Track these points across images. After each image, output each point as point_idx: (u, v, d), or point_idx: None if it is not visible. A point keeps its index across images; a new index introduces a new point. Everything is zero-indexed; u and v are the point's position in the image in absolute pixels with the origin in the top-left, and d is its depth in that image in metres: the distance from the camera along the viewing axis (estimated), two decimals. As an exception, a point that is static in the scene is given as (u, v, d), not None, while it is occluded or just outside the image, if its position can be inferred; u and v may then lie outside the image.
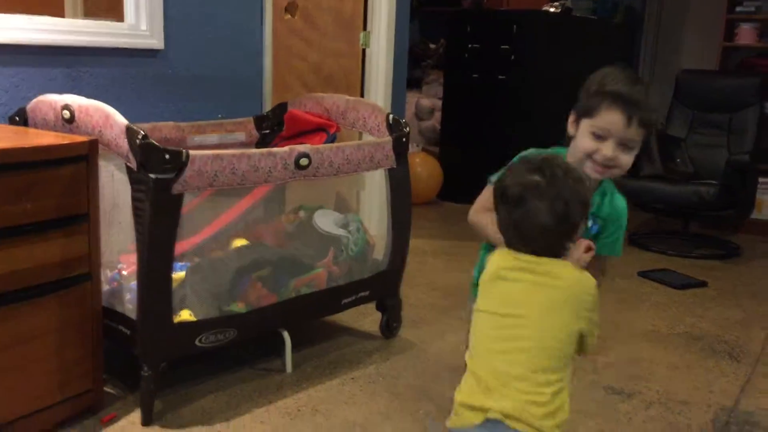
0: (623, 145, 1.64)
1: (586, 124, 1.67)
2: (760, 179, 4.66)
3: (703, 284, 3.79)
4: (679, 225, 4.58)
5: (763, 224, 4.76)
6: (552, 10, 5.42)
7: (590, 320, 1.52)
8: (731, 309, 3.44)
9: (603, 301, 3.16)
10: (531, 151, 1.70)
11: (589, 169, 1.66)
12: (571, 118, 1.73)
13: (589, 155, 1.66)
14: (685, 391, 2.57)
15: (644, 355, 2.88)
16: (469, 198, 3.53)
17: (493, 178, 1.68)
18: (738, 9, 5.03)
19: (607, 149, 1.64)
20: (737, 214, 4.56)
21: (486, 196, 1.74)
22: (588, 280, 1.51)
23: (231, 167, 2.21)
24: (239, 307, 2.38)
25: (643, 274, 3.90)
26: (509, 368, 1.45)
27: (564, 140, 1.77)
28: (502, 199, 1.51)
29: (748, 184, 4.48)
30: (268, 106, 3.46)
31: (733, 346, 2.98)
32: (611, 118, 1.62)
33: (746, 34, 5.01)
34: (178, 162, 2.06)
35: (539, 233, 1.47)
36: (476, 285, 1.66)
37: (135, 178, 2.11)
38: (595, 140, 1.65)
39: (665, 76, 5.48)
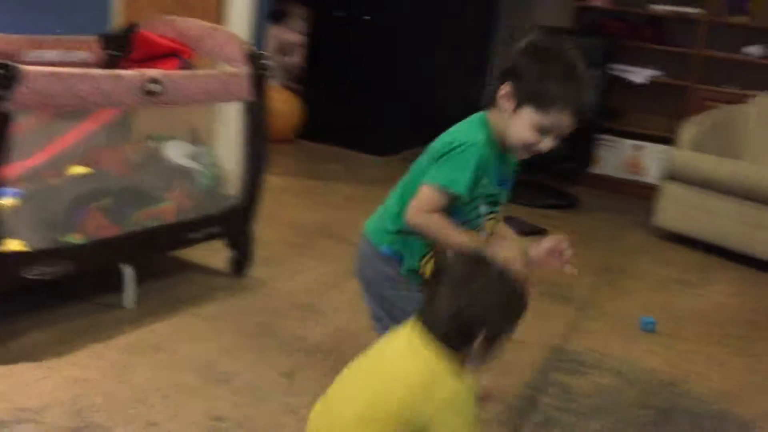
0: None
1: (532, 114, 1.56)
2: (600, 136, 4.97)
3: (543, 231, 4.01)
4: (525, 175, 4.80)
5: (599, 178, 5.10)
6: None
7: None
8: (566, 256, 3.67)
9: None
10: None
11: (519, 152, 1.66)
12: (508, 93, 1.58)
13: (528, 145, 1.61)
14: (520, 331, 2.72)
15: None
16: (330, 138, 3.45)
17: (443, 182, 1.56)
18: (593, -30, 5.25)
19: (548, 143, 1.61)
20: (577, 166, 4.85)
21: (432, 197, 1.58)
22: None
23: (71, 87, 2.05)
24: (76, 238, 2.23)
25: (490, 221, 4.08)
26: None
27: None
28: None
29: (589, 139, 4.76)
30: (117, 26, 3.22)
31: (565, 290, 3.20)
32: (564, 121, 1.58)
33: (601, -4, 5.24)
34: (8, 77, 1.87)
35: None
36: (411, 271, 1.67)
37: (-43, 91, 1.89)
38: (538, 133, 1.58)
39: (522, 31, 5.65)
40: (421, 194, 1.59)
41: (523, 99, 1.57)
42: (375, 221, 1.79)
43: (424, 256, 1.70)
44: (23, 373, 2.01)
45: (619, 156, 5.08)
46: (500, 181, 1.70)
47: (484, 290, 1.37)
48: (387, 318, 1.75)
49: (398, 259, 1.71)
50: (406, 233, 1.67)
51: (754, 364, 2.70)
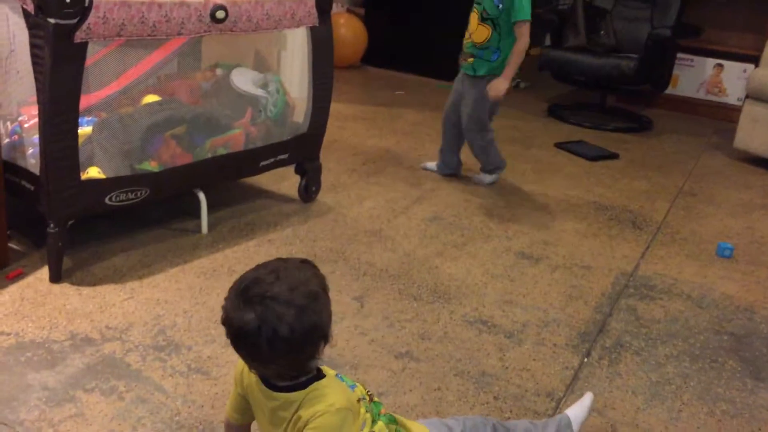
0: None
1: None
2: (679, 54, 4.74)
3: (614, 156, 3.90)
4: (597, 98, 4.65)
5: (677, 99, 4.89)
6: None
7: None
8: (638, 180, 3.57)
9: (519, 170, 3.19)
10: None
11: None
12: None
13: None
14: (589, 257, 2.70)
15: (554, 223, 2.98)
16: (394, 63, 3.47)
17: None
18: None
19: None
20: (653, 88, 4.66)
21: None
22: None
23: (140, 16, 2.07)
24: (152, 166, 2.30)
25: (559, 145, 3.98)
26: None
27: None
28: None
29: (666, 59, 4.55)
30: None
31: (637, 216, 3.13)
32: None
33: None
34: (80, 6, 1.90)
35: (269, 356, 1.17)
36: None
37: (32, 23, 1.94)
38: None
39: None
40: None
41: None
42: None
43: None
44: (108, 295, 2.12)
45: (698, 76, 4.85)
46: None
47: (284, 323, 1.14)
48: None
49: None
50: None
51: (837, 290, 2.60)
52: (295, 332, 1.13)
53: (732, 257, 2.79)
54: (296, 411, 1.22)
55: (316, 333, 1.17)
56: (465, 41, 3.07)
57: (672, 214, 3.19)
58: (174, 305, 2.09)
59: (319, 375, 1.25)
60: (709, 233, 3.00)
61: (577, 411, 1.68)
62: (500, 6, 2.93)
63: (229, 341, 1.18)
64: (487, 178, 3.30)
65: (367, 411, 1.33)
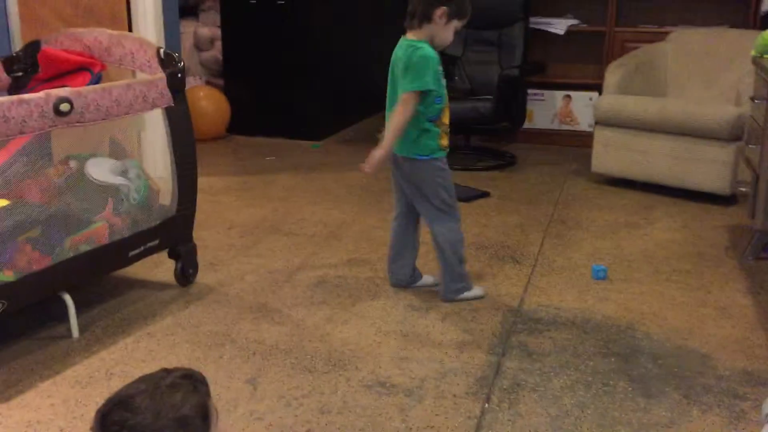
0: None
1: (456, 23, 2.50)
2: (529, 90, 5.00)
3: (486, 194, 4.03)
4: (461, 140, 4.81)
5: (534, 132, 5.14)
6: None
7: None
8: (511, 215, 3.70)
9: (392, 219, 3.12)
10: None
11: (439, 48, 2.53)
12: (442, 13, 2.46)
13: (449, 42, 2.56)
14: (476, 300, 2.73)
15: (436, 267, 3.01)
16: (261, 129, 3.44)
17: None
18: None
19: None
20: (511, 125, 4.87)
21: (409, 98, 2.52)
22: None
23: (-26, 120, 1.93)
24: (7, 276, 2.13)
25: (433, 191, 4.06)
26: None
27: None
28: None
29: (519, 96, 4.78)
30: (18, 45, 3.06)
31: (515, 250, 3.22)
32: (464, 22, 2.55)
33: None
34: None
35: None
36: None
37: None
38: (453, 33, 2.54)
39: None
40: (405, 97, 2.49)
41: (451, 17, 2.49)
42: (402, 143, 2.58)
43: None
44: (-28, 425, 1.92)
45: (550, 108, 5.12)
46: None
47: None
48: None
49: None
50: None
51: (703, 296, 2.77)
52: None
53: (607, 278, 2.91)
54: None
55: None
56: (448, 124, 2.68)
57: (546, 243, 3.30)
58: (48, 425, 1.92)
59: None
60: (583, 258, 3.13)
61: None
62: None
63: None
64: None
65: None
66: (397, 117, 2.49)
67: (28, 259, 2.20)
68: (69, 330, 2.37)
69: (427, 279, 2.84)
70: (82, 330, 2.40)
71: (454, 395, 2.09)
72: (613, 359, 2.30)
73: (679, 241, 3.33)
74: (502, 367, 2.25)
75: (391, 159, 2.61)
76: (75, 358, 2.26)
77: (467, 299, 2.70)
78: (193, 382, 1.12)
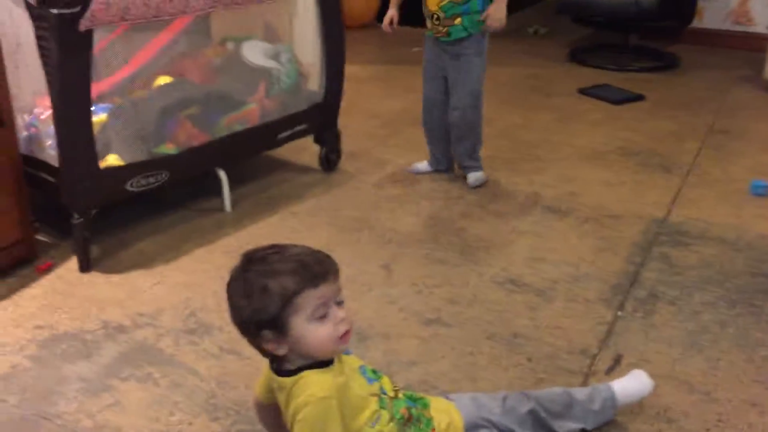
0: None
1: None
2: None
3: (640, 98, 3.80)
4: (619, 38, 4.51)
5: (704, 33, 4.73)
6: None
7: None
8: (666, 121, 3.48)
9: (541, 119, 3.10)
10: None
11: None
12: None
13: None
14: (618, 206, 2.64)
15: (580, 172, 2.92)
16: (409, 19, 3.46)
17: None
18: None
19: None
20: (678, 22, 4.50)
21: None
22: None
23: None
24: (169, 148, 2.29)
25: (582, 91, 3.89)
26: None
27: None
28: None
29: (689, -9, 4.39)
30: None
31: (666, 159, 3.05)
32: None
33: None
34: (79, -4, 1.87)
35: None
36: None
37: (35, 14, 1.92)
38: None
39: None
40: None
41: None
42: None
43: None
44: (137, 281, 2.13)
45: (724, 6, 4.66)
46: None
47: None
48: None
49: None
50: None
51: None
52: (235, 320, 1.25)
53: (767, 195, 2.71)
54: (287, 400, 1.23)
55: (249, 324, 1.23)
56: (433, 6, 2.57)
57: (702, 154, 3.10)
58: (203, 287, 2.10)
59: (318, 365, 1.24)
60: (742, 171, 2.91)
61: (626, 385, 1.58)
62: None
63: None
64: (480, 175, 2.78)
65: (383, 407, 1.31)
66: None
67: (188, 134, 2.35)
68: (222, 204, 2.54)
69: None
70: (233, 205, 2.56)
71: (587, 299, 2.07)
72: (763, 279, 2.17)
73: None
74: (639, 277, 2.18)
75: None
76: (227, 230, 2.42)
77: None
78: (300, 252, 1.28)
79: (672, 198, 2.70)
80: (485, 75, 2.72)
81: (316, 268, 1.22)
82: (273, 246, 1.29)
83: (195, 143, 2.36)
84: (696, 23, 4.64)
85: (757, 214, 2.58)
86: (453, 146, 2.80)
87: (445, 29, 2.59)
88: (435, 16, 2.59)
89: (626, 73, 4.21)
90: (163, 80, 2.41)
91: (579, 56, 4.47)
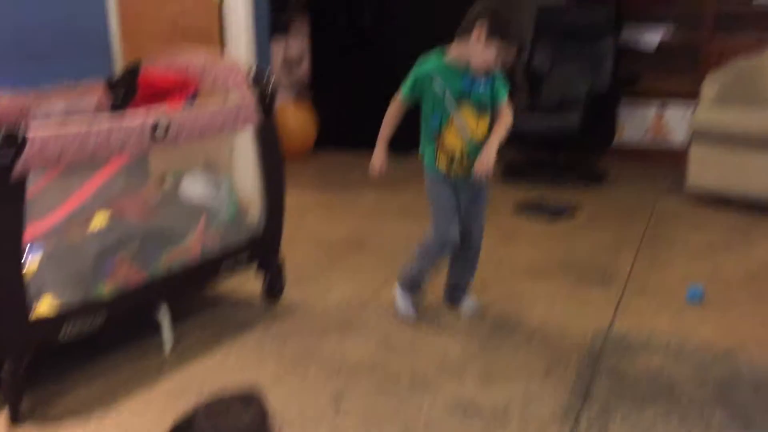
0: None
1: (498, 45, 2.35)
2: (620, 104, 4.86)
3: (574, 212, 3.93)
4: (549, 156, 4.72)
5: (626, 148, 4.98)
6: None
7: None
8: (600, 233, 3.59)
9: (484, 239, 3.12)
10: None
11: (478, 69, 2.42)
12: (479, 31, 2.34)
13: (488, 63, 2.39)
14: (564, 320, 2.67)
15: (524, 289, 2.96)
16: (348, 144, 3.52)
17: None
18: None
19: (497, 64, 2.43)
20: (601, 140, 4.75)
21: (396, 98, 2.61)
22: None
23: (78, 142, 2.04)
24: (106, 291, 2.23)
25: (519, 209, 4.01)
26: None
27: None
28: None
29: (609, 110, 4.66)
30: (119, 67, 3.22)
31: (604, 270, 3.13)
32: (511, 51, 2.39)
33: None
34: (13, 145, 1.86)
35: None
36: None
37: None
38: (495, 55, 2.37)
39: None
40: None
41: (490, 35, 2.34)
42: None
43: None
44: (74, 431, 2.01)
45: (642, 122, 4.97)
46: (466, 88, 2.45)
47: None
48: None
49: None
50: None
51: (811, 322, 2.61)
52: None
53: (703, 301, 2.78)
54: None
55: None
56: (457, 150, 2.51)
57: (637, 264, 3.19)
58: (143, 434, 1.99)
59: None
60: (677, 279, 3.00)
61: None
62: (489, 91, 2.48)
63: None
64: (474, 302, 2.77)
65: None
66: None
67: (126, 274, 2.30)
68: (162, 344, 2.46)
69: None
70: (175, 343, 2.48)
71: (541, 420, 2.04)
72: (709, 388, 2.19)
73: (783, 263, 3.15)
74: (591, 392, 2.18)
75: None
76: (168, 373, 2.33)
77: (397, 303, 2.72)
78: (249, 402, 1.17)
79: (614, 309, 2.75)
80: None
81: None
82: (207, 410, 1.18)
83: (134, 283, 2.31)
84: (618, 140, 4.91)
85: (697, 321, 2.64)
86: (462, 278, 2.73)
87: (467, 168, 2.52)
88: (458, 156, 2.51)
89: (559, 188, 4.37)
90: (101, 220, 2.39)
91: (512, 175, 4.63)
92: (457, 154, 2.52)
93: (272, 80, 2.67)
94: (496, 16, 2.33)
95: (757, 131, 3.72)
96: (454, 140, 2.51)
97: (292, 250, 3.33)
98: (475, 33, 2.35)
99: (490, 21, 2.32)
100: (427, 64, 2.48)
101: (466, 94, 2.45)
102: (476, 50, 2.37)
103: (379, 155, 2.67)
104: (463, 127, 2.48)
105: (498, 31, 2.32)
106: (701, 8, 4.80)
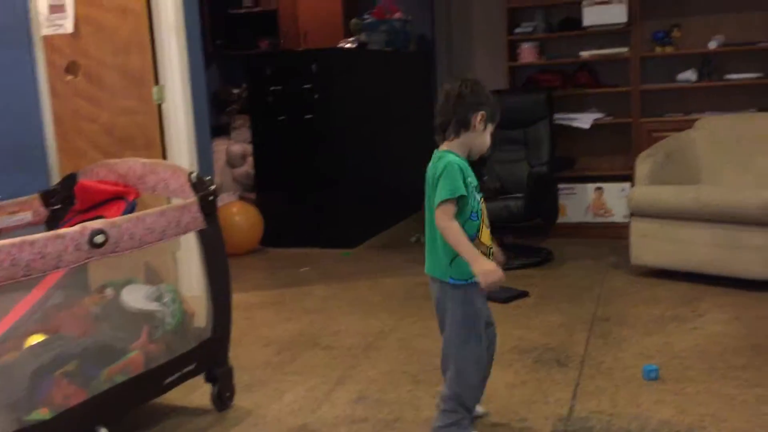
0: None
1: (490, 127, 2.35)
2: (560, 185, 4.99)
3: (525, 294, 3.94)
4: (496, 239, 4.76)
5: (569, 227, 5.09)
6: (348, 46, 5.51)
7: None
8: (552, 314, 3.60)
9: (434, 327, 3.10)
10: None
11: (478, 156, 2.38)
12: (482, 118, 2.29)
13: (487, 147, 2.38)
14: (524, 408, 2.62)
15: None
16: (293, 241, 3.44)
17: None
18: (517, 30, 5.38)
19: None
20: (545, 221, 4.84)
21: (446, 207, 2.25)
22: None
23: (11, 259, 1.96)
24: (43, 414, 2.10)
25: (470, 294, 3.99)
26: None
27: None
28: None
29: (550, 192, 4.77)
30: (57, 178, 3.16)
31: (560, 352, 3.11)
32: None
33: (527, 53, 5.36)
34: (-61, 266, 1.78)
35: None
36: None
37: None
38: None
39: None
40: (439, 208, 2.24)
41: (487, 120, 2.32)
42: (433, 263, 2.37)
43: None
44: None
45: (582, 201, 5.09)
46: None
47: None
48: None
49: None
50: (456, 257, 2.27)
51: (764, 393, 2.61)
52: None
53: (659, 378, 2.78)
54: None
55: None
56: (490, 247, 2.42)
57: (591, 343, 3.19)
58: None
59: None
60: (632, 357, 3.00)
61: None
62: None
63: None
64: None
65: None
66: (451, 235, 2.22)
67: (65, 395, 2.18)
68: (106, 465, 2.31)
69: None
70: (119, 464, 2.34)
71: None
72: (675, 470, 2.15)
73: (732, 334, 3.19)
74: (556, 485, 2.11)
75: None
76: (111, 496, 2.19)
77: None
78: None
79: (572, 393, 2.72)
80: None
81: None
82: None
83: (73, 403, 2.18)
84: (561, 219, 5.01)
85: (655, 399, 2.62)
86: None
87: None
88: (491, 250, 2.39)
89: (507, 271, 4.34)
90: (36, 339, 2.28)
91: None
92: (489, 252, 2.34)
93: (213, 184, 2.65)
94: (490, 100, 2.31)
95: (690, 206, 3.84)
96: (488, 238, 2.37)
97: (242, 352, 3.23)
98: (476, 121, 2.27)
99: (490, 106, 2.30)
100: (455, 159, 2.27)
101: (479, 186, 2.37)
102: (481, 137, 2.31)
103: (489, 263, 2.27)
104: (479, 235, 2.31)
105: (494, 114, 2.32)
106: (628, 88, 5.04)
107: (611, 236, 4.86)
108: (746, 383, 2.70)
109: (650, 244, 4.04)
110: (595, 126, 5.06)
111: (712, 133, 4.44)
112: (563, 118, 5.07)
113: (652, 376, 2.78)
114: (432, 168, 2.31)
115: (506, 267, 4.47)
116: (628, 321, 3.45)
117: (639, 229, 4.08)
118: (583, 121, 5.06)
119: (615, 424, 2.45)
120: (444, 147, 2.34)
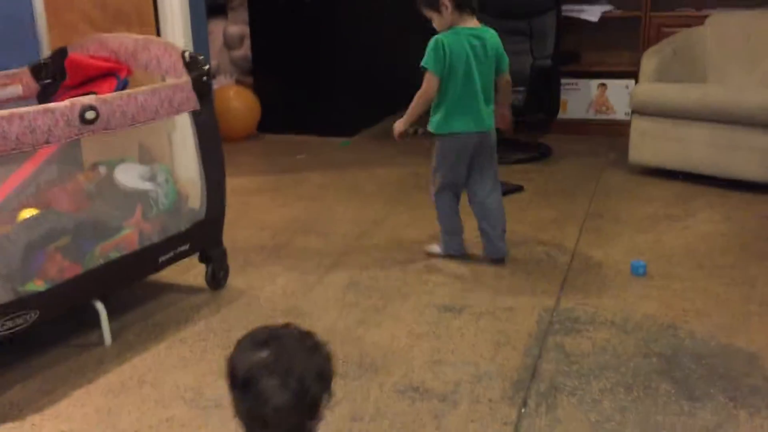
0: None
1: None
2: (563, 80, 4.88)
3: (519, 189, 3.94)
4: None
5: (569, 123, 5.02)
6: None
7: None
8: (546, 209, 3.61)
9: (427, 216, 3.10)
10: None
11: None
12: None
13: None
14: (511, 298, 2.67)
15: (471, 268, 2.95)
16: (291, 127, 3.43)
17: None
18: None
19: None
20: (546, 116, 4.77)
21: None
22: None
23: (0, 131, 1.93)
24: (38, 285, 2.13)
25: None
26: None
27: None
28: (232, 383, 1.27)
29: (552, 86, 4.67)
30: (46, 52, 3.08)
31: (550, 246, 3.14)
32: None
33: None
34: (-73, 134, 1.75)
35: (277, 417, 1.22)
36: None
37: None
38: None
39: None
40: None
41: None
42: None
43: None
44: (11, 428, 1.93)
45: (585, 98, 5.00)
46: None
47: (299, 360, 1.25)
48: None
49: None
50: None
51: (749, 291, 2.66)
52: None
53: (646, 274, 2.82)
54: None
55: None
56: None
57: (582, 239, 3.22)
58: (82, 434, 1.92)
59: None
60: (621, 253, 3.03)
61: None
62: None
63: None
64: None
65: None
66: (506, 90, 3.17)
67: (59, 268, 2.20)
68: (101, 337, 2.37)
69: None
70: (114, 337, 2.40)
71: (490, 400, 2.04)
72: (654, 360, 2.22)
73: (722, 234, 3.22)
74: (538, 369, 2.18)
75: (477, 137, 2.98)
76: (108, 366, 2.25)
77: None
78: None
79: (560, 285, 2.76)
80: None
81: None
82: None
83: (67, 276, 2.21)
84: (562, 115, 4.94)
85: (641, 294, 2.67)
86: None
87: None
88: None
89: (504, 165, 4.34)
90: (29, 212, 2.28)
91: (458, 152, 4.61)
92: None
93: (208, 64, 2.58)
94: None
95: (695, 105, 3.77)
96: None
97: (236, 235, 3.26)
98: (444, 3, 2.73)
99: None
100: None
101: None
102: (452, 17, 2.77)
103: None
104: None
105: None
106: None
107: (612, 134, 4.81)
108: (732, 281, 2.74)
109: (649, 143, 4.00)
110: (603, 19, 4.90)
111: (723, 30, 4.31)
112: (571, 10, 4.90)
113: (640, 272, 2.82)
114: (496, 42, 2.91)
115: (503, 161, 4.48)
116: (621, 218, 3.47)
117: (639, 126, 4.03)
118: (592, 13, 4.89)
119: (600, 316, 2.50)
120: (476, 23, 2.85)
